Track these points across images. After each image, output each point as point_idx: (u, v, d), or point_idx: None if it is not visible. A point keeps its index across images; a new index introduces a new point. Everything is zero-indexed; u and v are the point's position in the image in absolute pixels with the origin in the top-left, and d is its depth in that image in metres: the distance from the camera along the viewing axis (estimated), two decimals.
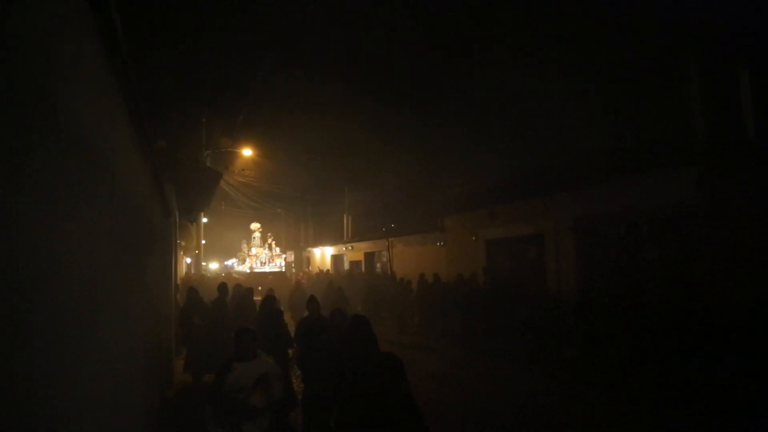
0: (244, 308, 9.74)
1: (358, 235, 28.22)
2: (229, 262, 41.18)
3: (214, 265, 38.70)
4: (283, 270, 30.46)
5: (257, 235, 31.99)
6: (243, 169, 25.83)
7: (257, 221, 32.62)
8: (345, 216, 30.52)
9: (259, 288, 16.65)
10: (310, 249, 34.36)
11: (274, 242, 32.43)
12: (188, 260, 26.66)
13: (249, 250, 32.05)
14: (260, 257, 31.32)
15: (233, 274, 27.90)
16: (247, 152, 23.85)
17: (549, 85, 14.89)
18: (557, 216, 12.40)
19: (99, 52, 2.26)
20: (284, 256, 33.08)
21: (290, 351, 7.07)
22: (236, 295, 11.04)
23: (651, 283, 9.88)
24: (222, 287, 9.65)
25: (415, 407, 3.30)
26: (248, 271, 29.99)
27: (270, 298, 7.91)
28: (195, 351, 9.00)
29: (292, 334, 7.23)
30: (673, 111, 10.46)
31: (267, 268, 30.02)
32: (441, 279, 15.13)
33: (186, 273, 22.54)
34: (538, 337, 10.06)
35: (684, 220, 9.27)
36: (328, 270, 25.58)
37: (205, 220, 23.72)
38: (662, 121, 10.96)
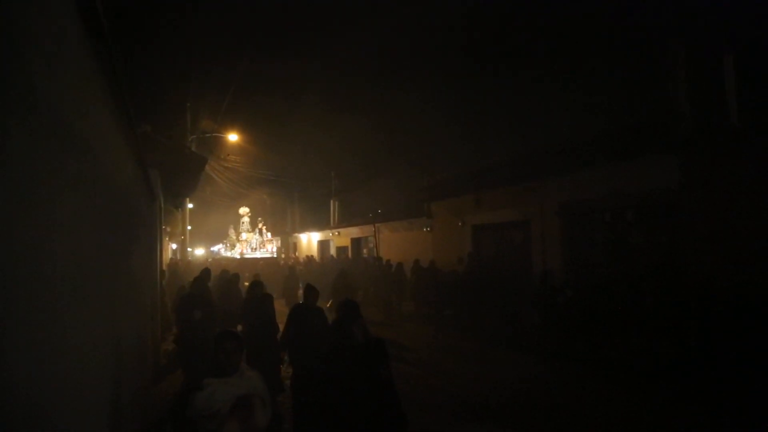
0: (230, 294, 9.70)
1: (344, 221, 28.18)
2: (215, 248, 40.74)
3: (199, 251, 38.33)
4: (275, 256, 30.02)
5: (246, 219, 31.46)
6: (228, 155, 25.57)
7: (245, 206, 32.07)
8: (332, 201, 30.40)
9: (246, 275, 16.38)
10: (296, 235, 34.23)
11: (264, 227, 31.92)
12: (174, 246, 26.43)
13: (238, 235, 31.42)
14: (251, 243, 30.70)
15: (222, 261, 26.60)
16: (232, 137, 23.56)
17: (535, 71, 14.91)
18: (543, 201, 12.48)
19: (81, 34, 2.21)
20: (274, 241, 32.70)
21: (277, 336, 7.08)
22: (222, 280, 10.97)
23: (638, 267, 9.94)
24: (205, 272, 9.56)
25: (393, 392, 3.35)
26: (238, 257, 29.24)
27: (257, 284, 7.88)
28: (194, 355, 6.99)
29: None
30: (658, 96, 10.53)
31: (258, 254, 29.43)
32: (436, 265, 15.17)
33: (171, 258, 22.35)
34: (575, 332, 9.05)
35: (668, 204, 9.38)
36: (313, 256, 25.53)
37: (190, 206, 23.53)
38: (647, 107, 11.03)
